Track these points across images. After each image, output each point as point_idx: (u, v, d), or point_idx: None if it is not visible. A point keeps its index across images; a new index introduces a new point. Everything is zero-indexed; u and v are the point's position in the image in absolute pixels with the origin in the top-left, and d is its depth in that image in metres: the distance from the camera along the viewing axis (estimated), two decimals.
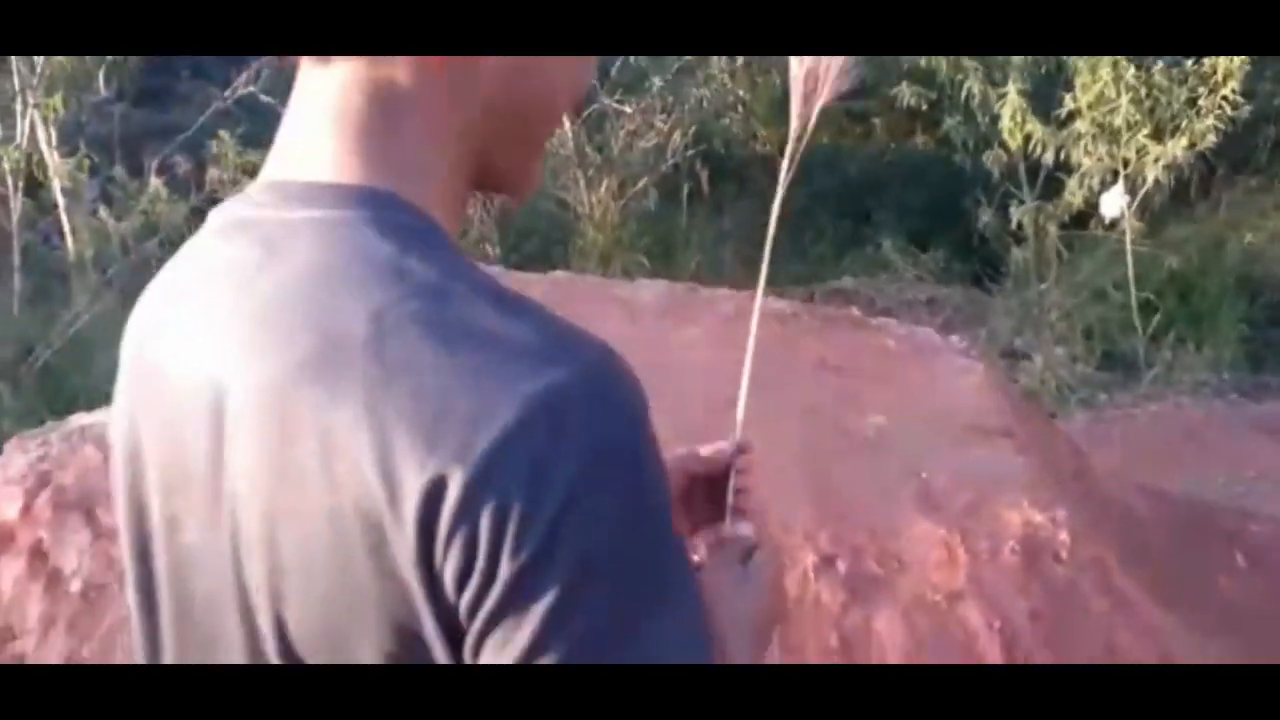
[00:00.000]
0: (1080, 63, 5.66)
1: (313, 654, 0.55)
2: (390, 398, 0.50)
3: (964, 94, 6.18)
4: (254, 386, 0.55)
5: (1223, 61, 5.38)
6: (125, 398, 0.66)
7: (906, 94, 6.55)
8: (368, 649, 0.53)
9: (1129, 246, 5.83)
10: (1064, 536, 2.32)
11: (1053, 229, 6.23)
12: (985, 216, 6.48)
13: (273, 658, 0.57)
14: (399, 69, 0.58)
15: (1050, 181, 6.13)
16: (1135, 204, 5.75)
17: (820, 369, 3.02)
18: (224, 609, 0.59)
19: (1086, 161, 5.78)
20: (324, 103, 0.59)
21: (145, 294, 0.67)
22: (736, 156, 8.09)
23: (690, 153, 7.20)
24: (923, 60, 6.38)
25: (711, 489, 0.74)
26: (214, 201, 0.76)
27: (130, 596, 0.68)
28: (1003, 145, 6.04)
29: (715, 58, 7.24)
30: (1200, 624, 2.85)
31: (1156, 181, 5.64)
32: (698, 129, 7.30)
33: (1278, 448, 4.86)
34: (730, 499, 0.73)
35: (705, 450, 0.75)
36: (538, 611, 0.48)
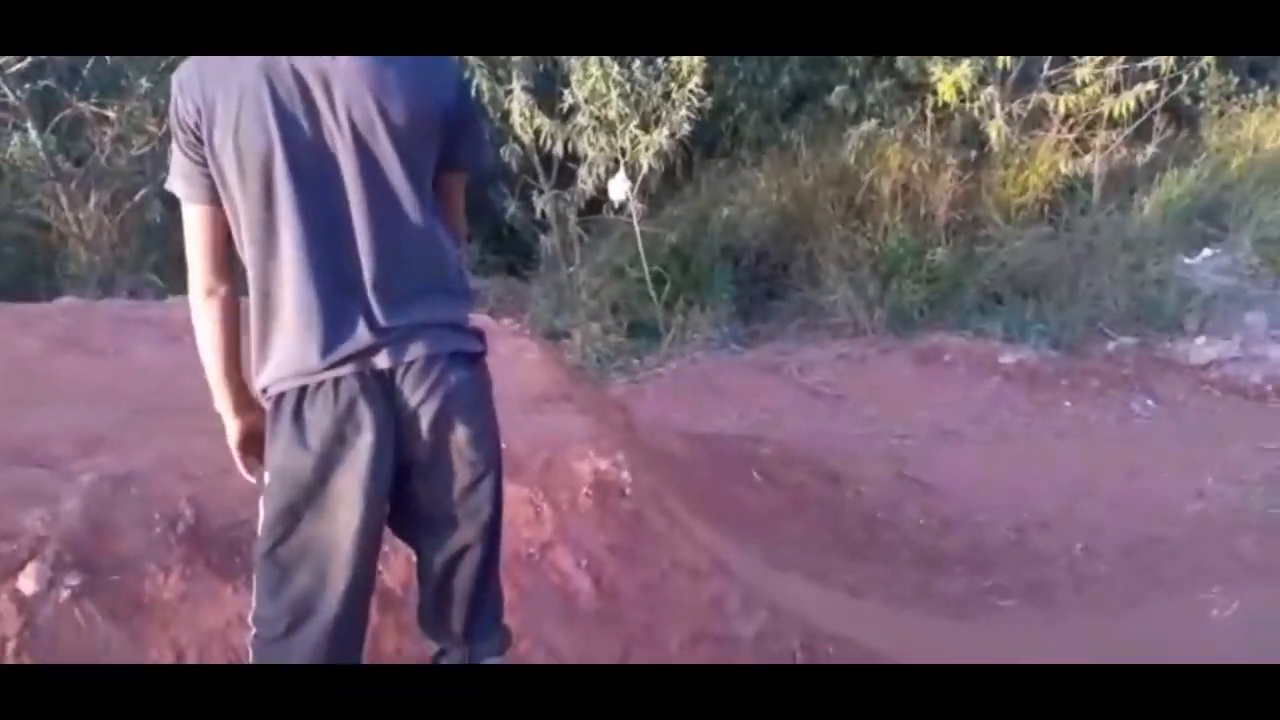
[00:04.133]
0: (574, 61, 6.22)
1: (403, 137, 1.46)
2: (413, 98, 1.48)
3: (473, 91, 6.49)
4: (349, 67, 1.43)
5: (685, 61, 6.25)
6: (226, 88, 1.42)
7: None
8: (430, 132, 1.50)
9: (636, 227, 6.56)
10: (626, 476, 2.63)
11: (572, 216, 6.80)
12: (511, 208, 6.88)
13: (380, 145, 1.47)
14: None
15: (564, 171, 6.66)
16: (636, 188, 6.47)
17: None
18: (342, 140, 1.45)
19: (591, 152, 6.36)
20: None
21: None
22: None
23: None
24: None
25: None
26: None
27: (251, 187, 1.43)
28: (516, 139, 6.44)
29: None
30: (734, 532, 3.39)
31: (650, 167, 6.39)
32: None
33: (771, 382, 5.84)
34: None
35: None
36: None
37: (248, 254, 1.46)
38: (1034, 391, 5.40)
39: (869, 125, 6.91)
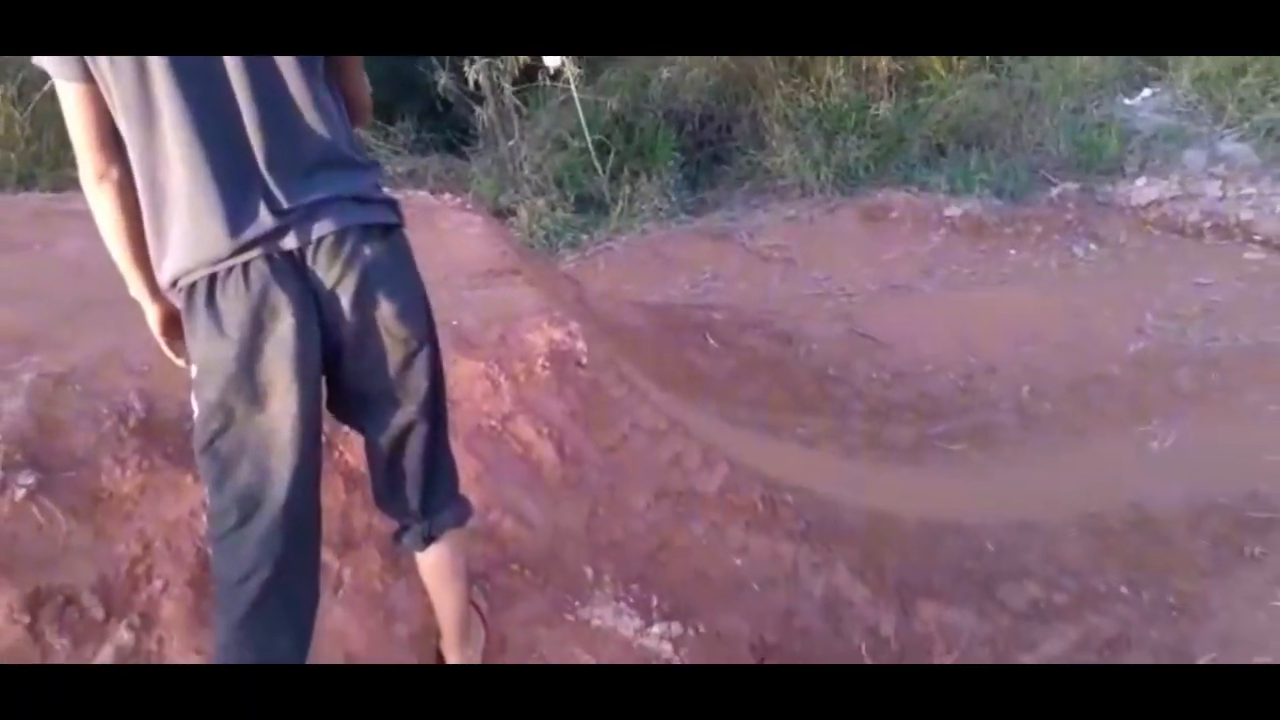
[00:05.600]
0: None
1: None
2: None
3: None
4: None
5: None
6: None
7: None
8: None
9: (575, 95, 6.37)
10: (581, 344, 2.63)
11: (507, 86, 6.57)
12: (442, 80, 6.61)
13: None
14: None
15: None
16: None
17: None
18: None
19: None
20: None
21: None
22: None
23: None
24: None
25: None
26: None
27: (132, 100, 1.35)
28: None
29: None
30: (690, 396, 3.44)
31: None
32: None
33: (721, 249, 5.83)
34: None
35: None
36: None
37: (128, 136, 1.37)
38: (979, 242, 5.46)
39: None
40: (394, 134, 7.04)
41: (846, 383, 3.98)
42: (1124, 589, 2.73)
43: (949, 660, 2.37)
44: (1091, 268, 5.13)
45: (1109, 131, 6.10)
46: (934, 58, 6.74)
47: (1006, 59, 6.77)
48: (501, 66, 6.39)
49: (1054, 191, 5.77)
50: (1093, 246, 5.31)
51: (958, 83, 6.64)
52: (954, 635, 2.43)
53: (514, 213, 6.38)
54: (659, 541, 2.36)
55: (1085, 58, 6.62)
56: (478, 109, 6.73)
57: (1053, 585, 2.73)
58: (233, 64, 1.36)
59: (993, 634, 2.47)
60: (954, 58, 6.78)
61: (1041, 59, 6.69)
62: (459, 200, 3.69)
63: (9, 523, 1.78)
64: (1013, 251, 5.34)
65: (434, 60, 6.59)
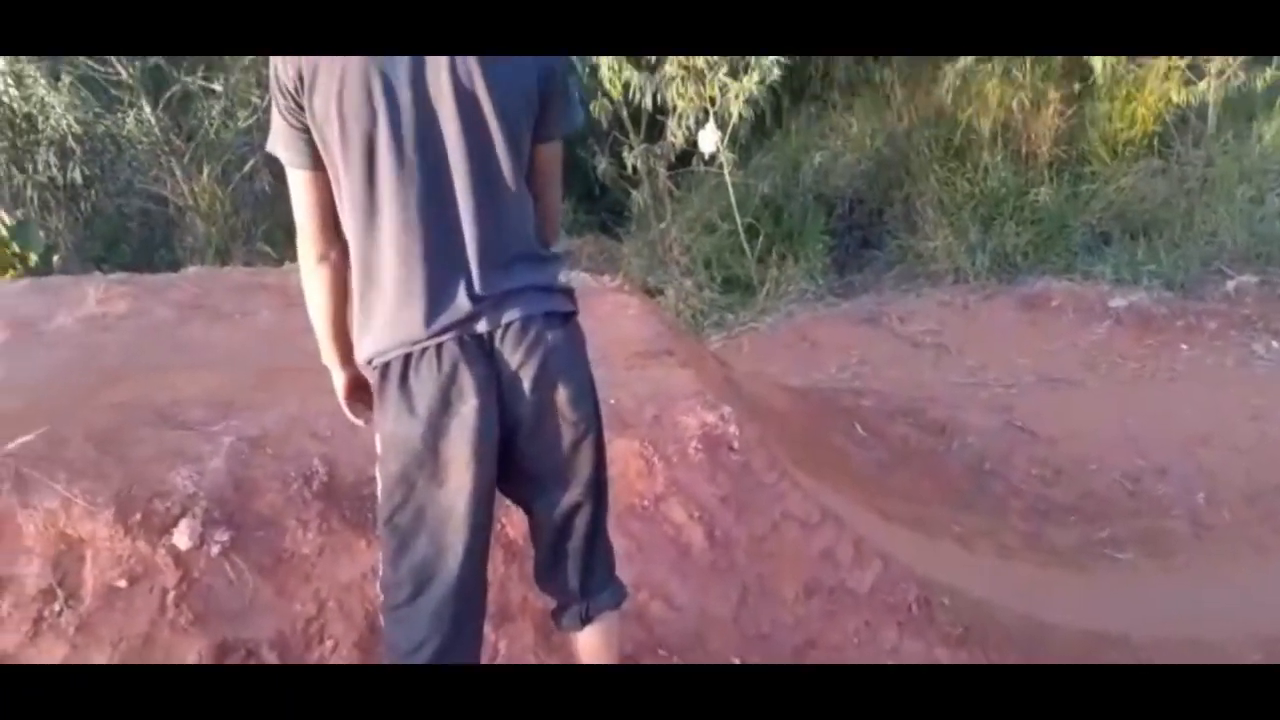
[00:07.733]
0: None
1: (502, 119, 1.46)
2: (510, 68, 1.47)
3: None
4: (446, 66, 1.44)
5: None
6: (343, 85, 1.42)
7: None
8: (529, 99, 1.49)
9: (728, 179, 6.49)
10: (733, 429, 2.65)
11: (662, 170, 6.77)
12: (601, 164, 6.88)
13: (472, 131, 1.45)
14: None
15: (653, 125, 6.62)
16: (726, 138, 6.39)
17: None
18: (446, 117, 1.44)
19: (680, 102, 6.29)
20: None
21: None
22: None
23: None
24: None
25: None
26: None
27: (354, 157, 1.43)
28: (605, 94, 6.41)
29: None
30: (838, 485, 3.38)
31: (740, 116, 6.29)
32: None
33: (869, 333, 5.76)
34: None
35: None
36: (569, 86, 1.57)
37: (349, 223, 1.47)
38: (1146, 335, 5.21)
39: (965, 61, 6.66)
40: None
41: (1003, 478, 3.84)
42: None
43: None
44: (1272, 367, 4.81)
45: None
46: (1099, 145, 6.56)
47: (1177, 145, 6.52)
48: (658, 152, 6.60)
49: (1230, 284, 5.47)
50: (1274, 344, 4.98)
51: (1123, 169, 6.43)
52: None
53: (661, 292, 6.51)
54: (808, 637, 2.32)
55: (1265, 144, 6.30)
56: (633, 192, 6.95)
57: None
58: (456, 160, 1.45)
59: None
60: (1119, 143, 6.58)
61: (1217, 145, 6.41)
62: (616, 282, 3.81)
63: (205, 575, 1.93)
64: (1184, 347, 5.06)
65: (594, 146, 6.87)
